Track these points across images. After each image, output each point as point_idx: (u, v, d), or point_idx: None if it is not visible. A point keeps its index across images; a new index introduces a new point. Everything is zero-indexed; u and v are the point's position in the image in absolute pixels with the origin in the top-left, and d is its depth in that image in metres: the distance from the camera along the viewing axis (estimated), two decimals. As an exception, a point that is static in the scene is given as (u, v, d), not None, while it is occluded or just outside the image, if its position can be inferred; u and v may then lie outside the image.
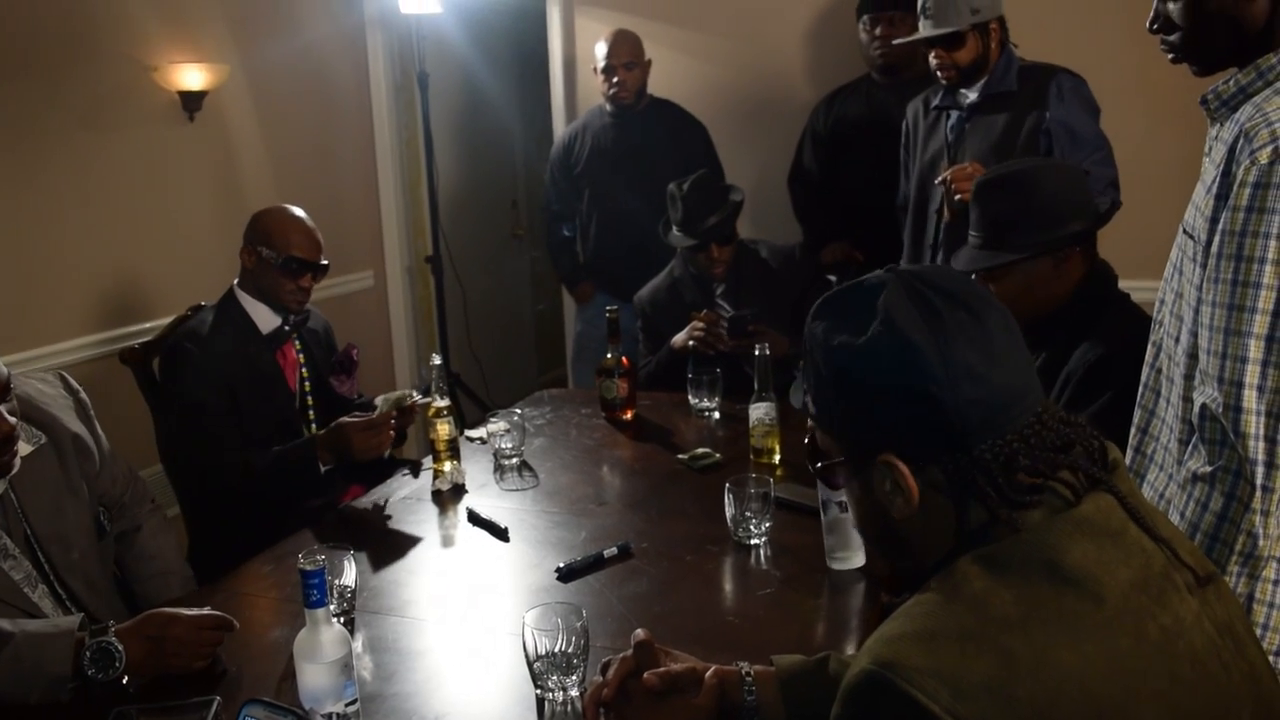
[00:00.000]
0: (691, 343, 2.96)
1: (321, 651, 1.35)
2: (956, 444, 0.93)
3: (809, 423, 1.08)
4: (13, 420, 1.61)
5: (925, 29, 2.87)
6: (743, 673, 1.30)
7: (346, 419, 2.32)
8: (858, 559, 1.82)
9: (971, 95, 2.93)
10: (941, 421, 0.93)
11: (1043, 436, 0.95)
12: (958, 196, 2.71)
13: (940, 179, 2.83)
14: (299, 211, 2.57)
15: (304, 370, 2.62)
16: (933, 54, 2.91)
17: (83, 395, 1.97)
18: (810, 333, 1.02)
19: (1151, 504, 1.01)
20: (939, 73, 2.94)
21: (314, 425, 2.60)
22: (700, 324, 2.95)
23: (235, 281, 2.57)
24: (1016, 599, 0.87)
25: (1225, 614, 0.95)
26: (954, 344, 0.93)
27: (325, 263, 2.55)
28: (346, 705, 1.37)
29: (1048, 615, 0.86)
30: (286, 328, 2.56)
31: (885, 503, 0.98)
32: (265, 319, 2.53)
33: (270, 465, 2.35)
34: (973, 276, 2.10)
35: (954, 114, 3.01)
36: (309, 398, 2.62)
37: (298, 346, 2.60)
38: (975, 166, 2.74)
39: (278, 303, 2.52)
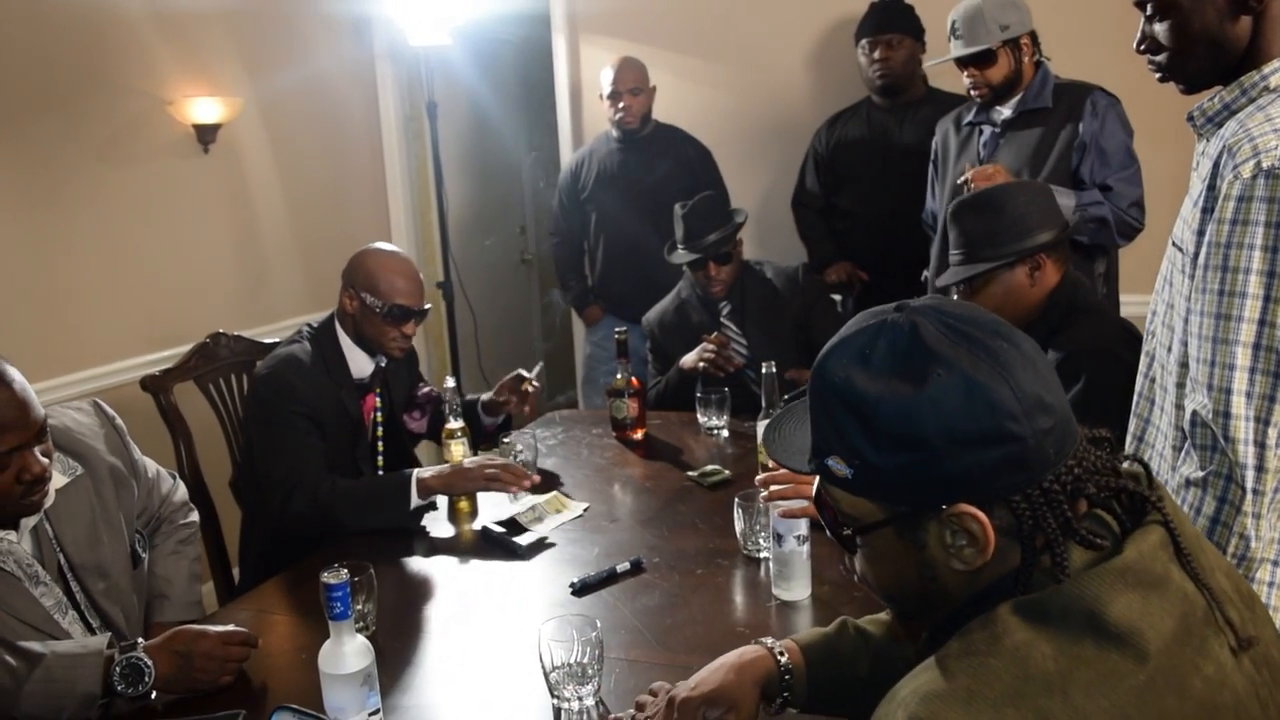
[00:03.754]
0: (702, 365, 3.00)
1: (345, 662, 1.39)
2: (1030, 480, 0.88)
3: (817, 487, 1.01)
4: (45, 462, 1.63)
5: (956, 49, 2.87)
6: (775, 654, 1.32)
7: (476, 462, 2.33)
8: (802, 591, 1.84)
9: (1006, 112, 2.93)
10: (1021, 460, 0.88)
11: (1094, 459, 0.93)
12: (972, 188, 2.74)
13: (962, 179, 2.83)
14: (400, 253, 2.51)
15: (379, 414, 2.55)
16: (965, 74, 2.91)
17: (118, 422, 1.98)
18: (845, 390, 0.92)
19: (1194, 530, 0.97)
20: (973, 91, 2.94)
21: (380, 470, 2.56)
22: (711, 346, 2.99)
23: (334, 314, 2.49)
24: (1057, 654, 0.84)
25: (1263, 647, 0.93)
26: (1016, 376, 0.88)
27: (428, 306, 2.49)
28: (370, 715, 1.41)
29: (1089, 675, 0.83)
30: (374, 380, 2.50)
31: (941, 557, 0.92)
32: (359, 364, 2.47)
33: (355, 489, 2.31)
34: (958, 289, 2.22)
35: (987, 130, 3.01)
36: (380, 442, 2.56)
37: (377, 390, 2.55)
38: (997, 168, 2.75)
39: (379, 349, 2.46)
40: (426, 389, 2.68)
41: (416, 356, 2.81)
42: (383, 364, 2.51)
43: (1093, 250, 2.91)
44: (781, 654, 1.32)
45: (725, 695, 1.28)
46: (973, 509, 0.89)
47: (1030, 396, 0.88)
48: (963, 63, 2.89)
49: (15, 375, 1.61)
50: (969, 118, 3.05)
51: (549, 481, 2.54)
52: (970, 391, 0.87)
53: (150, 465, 2.07)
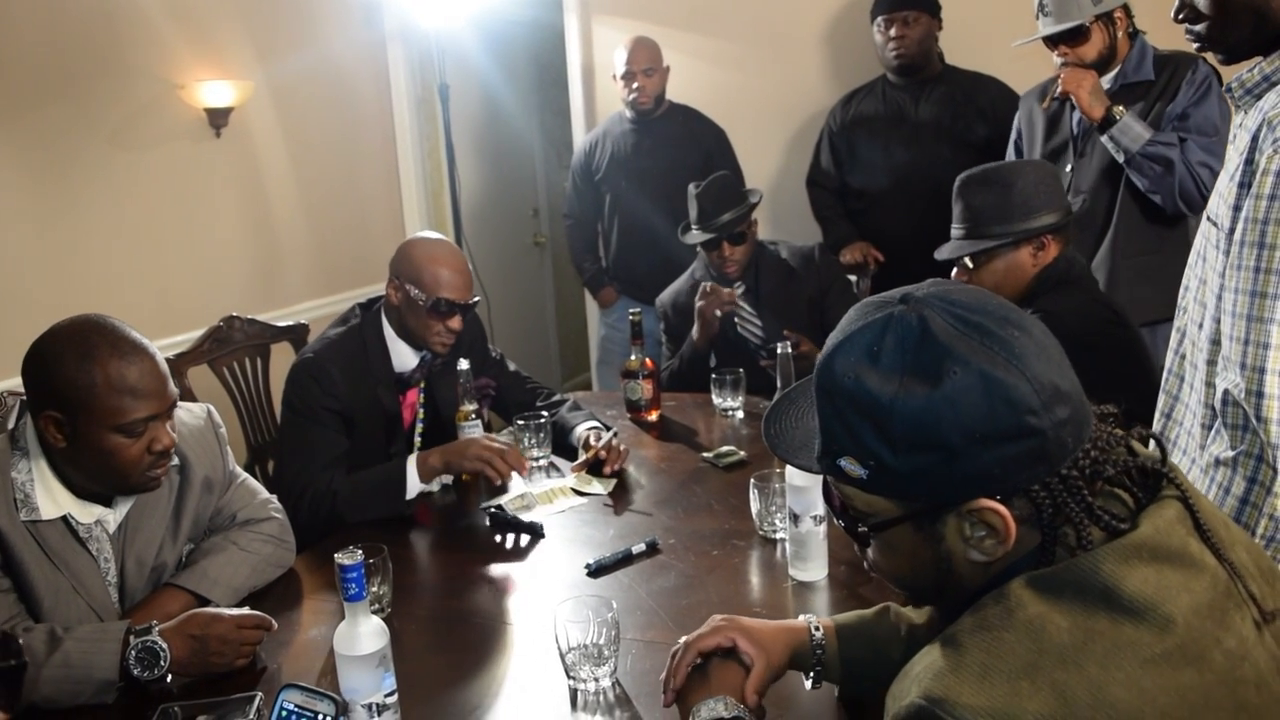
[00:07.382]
0: (698, 305, 3.00)
1: (360, 644, 1.37)
2: (1050, 470, 0.88)
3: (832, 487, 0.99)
4: (173, 436, 1.67)
5: (1045, 26, 2.75)
6: (811, 628, 1.31)
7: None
8: (818, 572, 1.82)
9: (1104, 86, 2.77)
10: (1041, 453, 0.86)
11: (1108, 438, 0.91)
12: (1060, 90, 2.74)
13: (1058, 90, 2.75)
14: (448, 244, 2.42)
15: (422, 410, 2.50)
16: (1056, 53, 2.78)
17: (222, 431, 1.96)
18: (856, 392, 0.90)
19: (1211, 504, 0.96)
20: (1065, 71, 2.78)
21: None
22: (706, 293, 2.98)
23: (381, 307, 2.44)
24: (1072, 626, 0.83)
25: None
26: (1032, 367, 0.86)
27: (477, 299, 2.41)
28: (385, 696, 1.40)
29: (1105, 647, 0.81)
30: (417, 374, 2.45)
31: (959, 548, 0.91)
32: (403, 357, 2.42)
33: (355, 481, 2.25)
34: (960, 262, 2.24)
35: None
36: (420, 439, 2.51)
37: (421, 385, 2.49)
38: (1089, 71, 2.69)
39: (423, 343, 2.39)
40: (479, 382, 2.56)
41: (485, 336, 2.74)
42: (427, 358, 2.45)
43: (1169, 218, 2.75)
44: (817, 629, 1.31)
45: (761, 640, 1.28)
46: (993, 503, 0.88)
47: (1048, 387, 0.86)
48: (1053, 41, 2.76)
49: (155, 349, 1.66)
50: (1059, 92, 2.83)
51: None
52: (987, 388, 0.85)
53: (240, 476, 1.99)
